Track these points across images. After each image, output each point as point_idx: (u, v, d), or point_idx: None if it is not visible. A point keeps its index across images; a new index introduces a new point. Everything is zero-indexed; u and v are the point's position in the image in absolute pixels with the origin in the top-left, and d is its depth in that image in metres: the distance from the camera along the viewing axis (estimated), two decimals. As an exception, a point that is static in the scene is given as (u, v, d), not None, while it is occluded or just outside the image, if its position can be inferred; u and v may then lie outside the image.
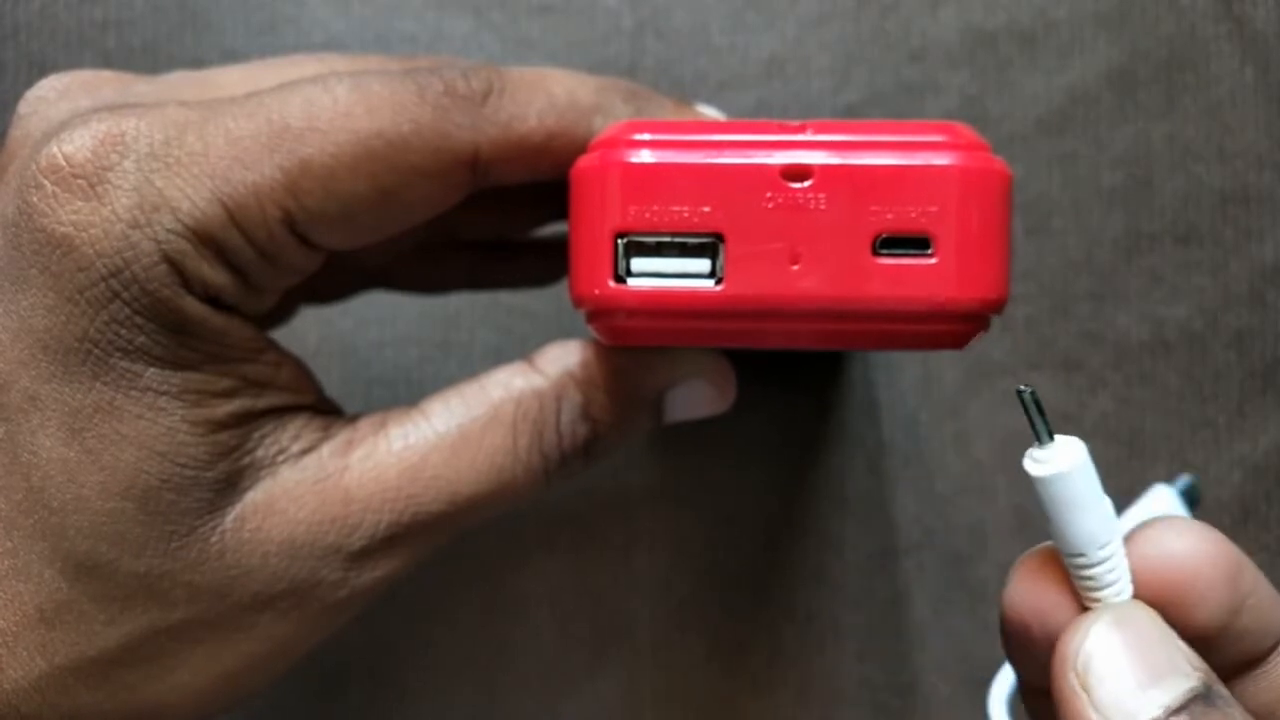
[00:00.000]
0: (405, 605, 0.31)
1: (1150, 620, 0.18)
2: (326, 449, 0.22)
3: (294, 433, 0.22)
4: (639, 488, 0.32)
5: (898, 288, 0.19)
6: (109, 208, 0.20)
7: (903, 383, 0.31)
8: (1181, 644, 0.18)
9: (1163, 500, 0.30)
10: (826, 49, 0.32)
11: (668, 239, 0.19)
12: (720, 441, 0.31)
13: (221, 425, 0.21)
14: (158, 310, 0.20)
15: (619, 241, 0.19)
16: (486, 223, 0.28)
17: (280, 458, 0.22)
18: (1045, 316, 0.31)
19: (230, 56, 0.31)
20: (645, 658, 0.32)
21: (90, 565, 0.20)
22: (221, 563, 0.21)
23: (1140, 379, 0.31)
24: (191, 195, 0.20)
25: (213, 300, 0.21)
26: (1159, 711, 0.17)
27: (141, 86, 0.23)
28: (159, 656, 0.21)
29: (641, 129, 0.20)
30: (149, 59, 0.32)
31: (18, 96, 0.23)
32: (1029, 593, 0.19)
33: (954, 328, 0.20)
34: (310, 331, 0.31)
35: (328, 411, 0.23)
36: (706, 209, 0.19)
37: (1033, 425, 0.18)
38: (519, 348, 0.27)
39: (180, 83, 0.23)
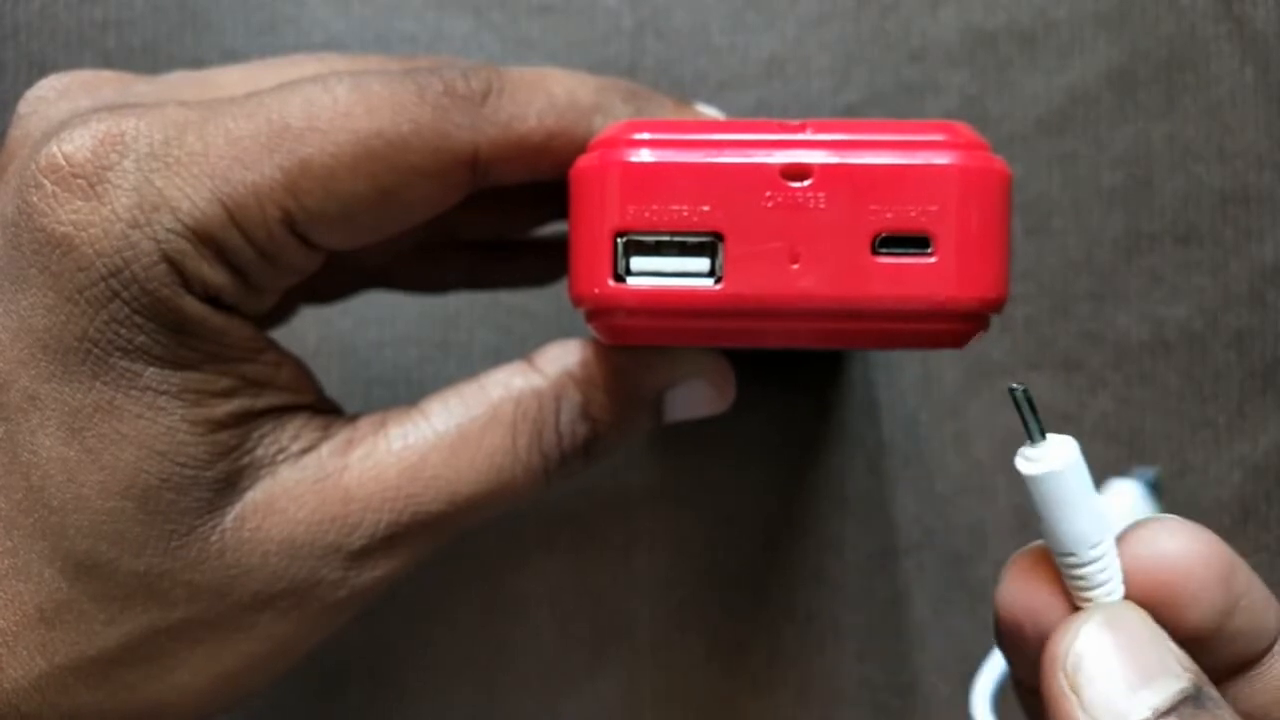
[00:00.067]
0: (405, 605, 0.31)
1: (1141, 621, 0.18)
2: (326, 448, 0.22)
3: (293, 432, 0.22)
4: (639, 488, 0.32)
5: (897, 287, 0.19)
6: (109, 207, 0.20)
7: (903, 383, 0.31)
8: (1172, 645, 0.18)
9: (1125, 493, 0.30)
10: (826, 49, 0.32)
11: (667, 238, 0.19)
12: (720, 441, 0.31)
13: (221, 425, 0.21)
14: (157, 310, 0.20)
15: (618, 241, 0.19)
16: (486, 223, 0.28)
17: (280, 457, 0.22)
18: (1045, 316, 0.31)
19: (230, 56, 0.31)
20: (645, 658, 0.32)
21: (90, 565, 0.20)
22: (221, 562, 0.21)
23: (1140, 379, 0.31)
24: (191, 195, 0.20)
25: (212, 300, 0.21)
26: (1148, 713, 0.17)
27: (141, 86, 0.23)
28: (159, 656, 0.21)
29: (641, 128, 0.20)
30: (149, 59, 0.32)
31: (18, 96, 0.23)
32: (1021, 592, 0.19)
33: (954, 327, 0.20)
34: (310, 331, 0.31)
35: (327, 411, 0.23)
36: (706, 208, 0.19)
37: (1025, 423, 0.18)
38: (519, 347, 0.27)
39: (180, 83, 0.23)
